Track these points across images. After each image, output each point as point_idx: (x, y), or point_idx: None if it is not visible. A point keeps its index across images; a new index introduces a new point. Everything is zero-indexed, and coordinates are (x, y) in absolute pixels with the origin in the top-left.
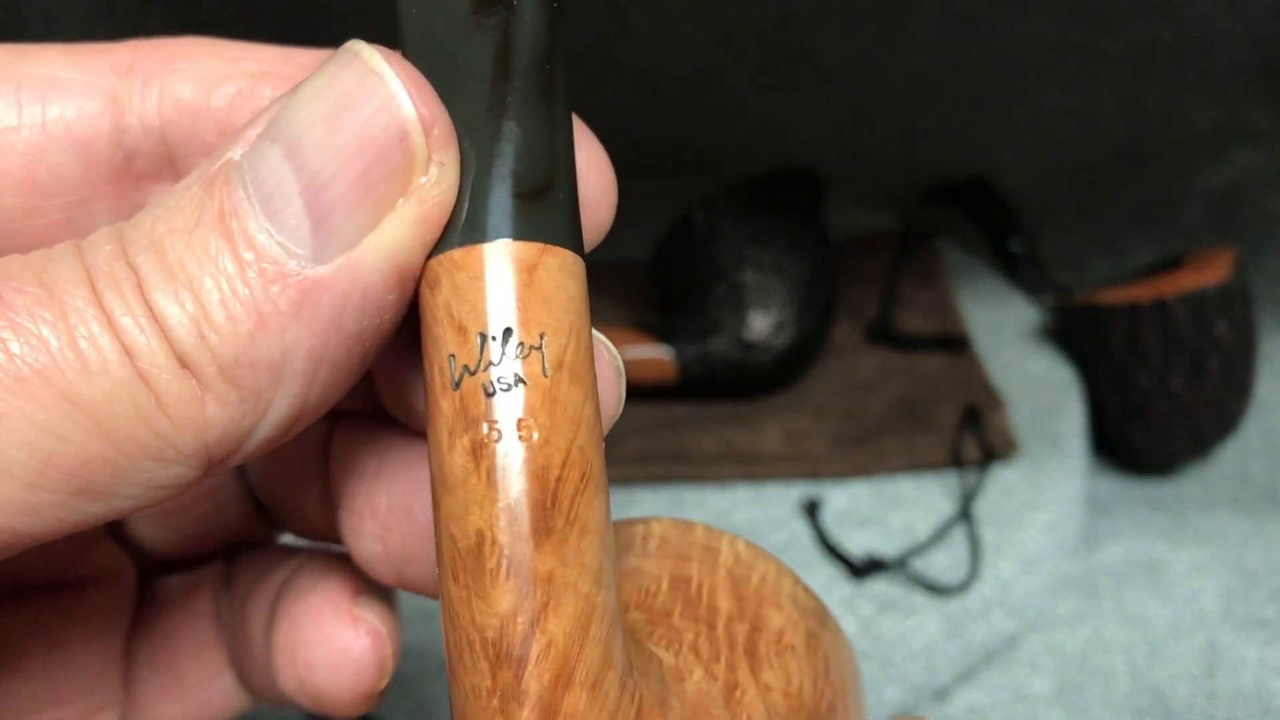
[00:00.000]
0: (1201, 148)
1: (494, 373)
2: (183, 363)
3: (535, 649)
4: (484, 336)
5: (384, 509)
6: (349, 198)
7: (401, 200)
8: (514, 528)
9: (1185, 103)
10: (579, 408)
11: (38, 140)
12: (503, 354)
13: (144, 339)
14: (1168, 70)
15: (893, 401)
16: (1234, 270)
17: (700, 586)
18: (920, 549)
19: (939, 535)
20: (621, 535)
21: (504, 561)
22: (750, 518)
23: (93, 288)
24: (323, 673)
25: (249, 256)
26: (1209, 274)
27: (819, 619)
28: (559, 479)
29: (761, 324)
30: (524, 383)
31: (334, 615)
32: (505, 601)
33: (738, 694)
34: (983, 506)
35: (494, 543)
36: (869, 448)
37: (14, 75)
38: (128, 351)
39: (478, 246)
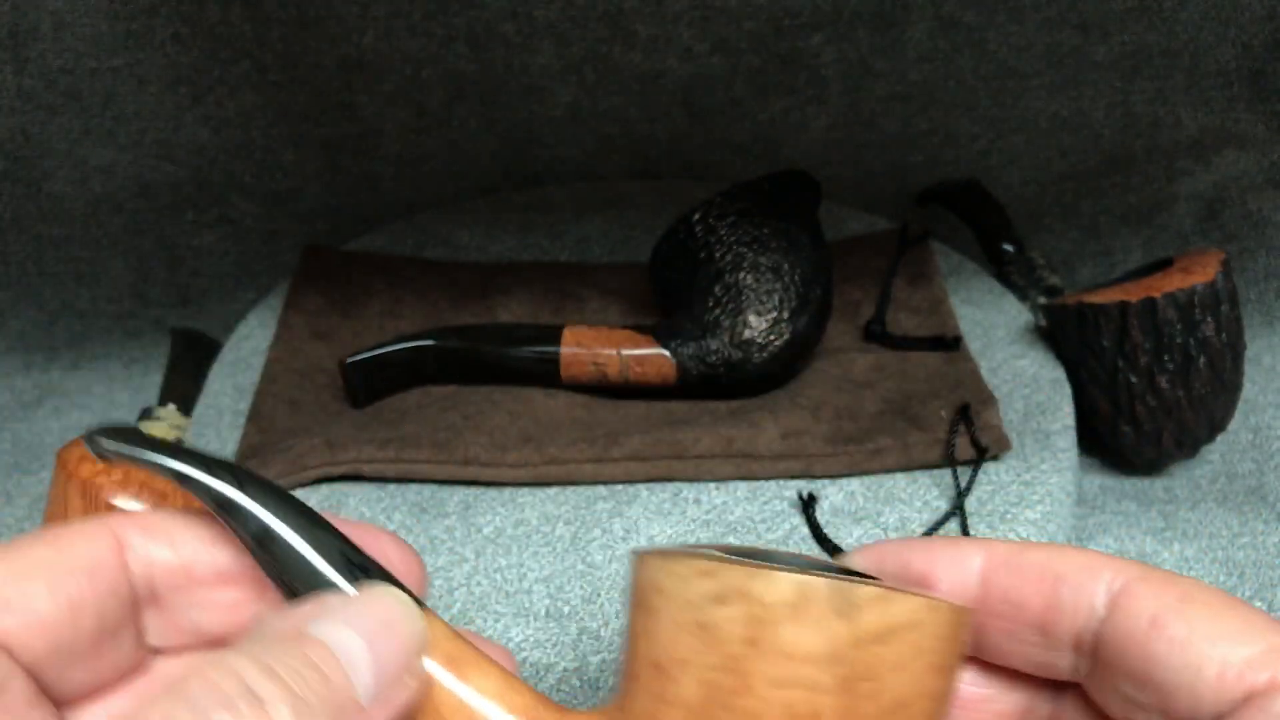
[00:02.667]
0: (1189, 151)
1: None
2: None
3: None
4: None
5: None
6: (393, 674)
7: (408, 676)
8: None
9: (1174, 107)
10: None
11: (99, 595)
12: None
13: None
14: (1156, 75)
15: (887, 400)
16: (1222, 271)
17: None
18: None
19: (932, 530)
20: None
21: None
22: (747, 514)
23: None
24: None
25: (337, 686)
26: (1197, 275)
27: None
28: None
29: (758, 324)
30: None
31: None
32: None
33: None
34: (975, 502)
35: None
36: (864, 445)
37: (75, 563)
38: None
39: None
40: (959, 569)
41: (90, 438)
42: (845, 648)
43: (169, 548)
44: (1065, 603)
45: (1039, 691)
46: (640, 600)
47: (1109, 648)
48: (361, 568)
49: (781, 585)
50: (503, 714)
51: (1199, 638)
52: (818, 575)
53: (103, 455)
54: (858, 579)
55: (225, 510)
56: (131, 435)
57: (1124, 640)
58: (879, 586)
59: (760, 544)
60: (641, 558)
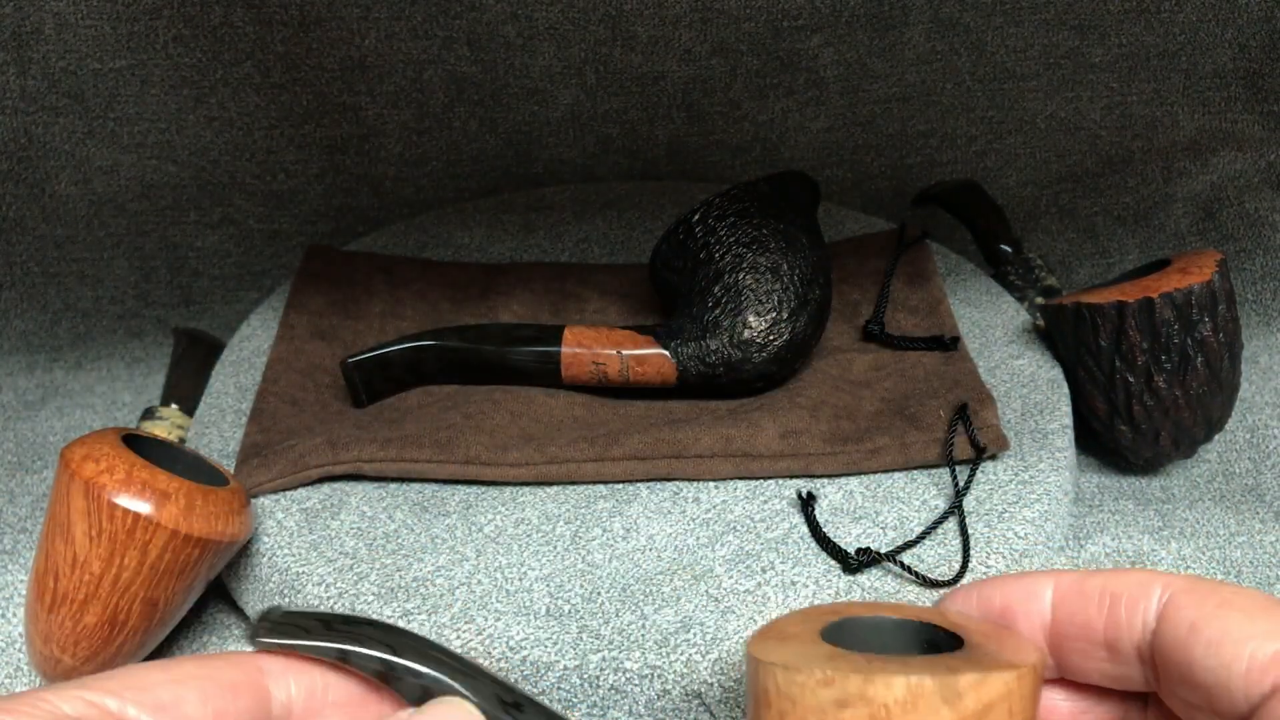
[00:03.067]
0: (1187, 152)
1: None
2: None
3: None
4: None
5: None
6: None
7: None
8: None
9: (1171, 108)
10: None
11: (240, 712)
12: None
13: None
14: (1154, 76)
15: (886, 399)
16: (1219, 272)
17: None
18: (912, 543)
19: (930, 529)
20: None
21: None
22: (747, 512)
23: None
24: None
25: None
26: (1194, 275)
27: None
28: None
29: (758, 324)
30: None
31: None
32: None
33: None
34: (973, 501)
35: None
36: (862, 444)
37: (223, 679)
38: None
39: None
40: (1034, 600)
41: (253, 639)
42: None
43: (306, 676)
44: (1123, 619)
45: (1126, 704)
46: (770, 704)
47: (1161, 655)
48: (515, 705)
49: (895, 688)
50: None
51: (1230, 638)
52: (924, 674)
53: (265, 649)
54: (952, 654)
55: (387, 675)
56: (286, 628)
57: (1171, 646)
58: (974, 670)
59: (844, 602)
60: (763, 665)
